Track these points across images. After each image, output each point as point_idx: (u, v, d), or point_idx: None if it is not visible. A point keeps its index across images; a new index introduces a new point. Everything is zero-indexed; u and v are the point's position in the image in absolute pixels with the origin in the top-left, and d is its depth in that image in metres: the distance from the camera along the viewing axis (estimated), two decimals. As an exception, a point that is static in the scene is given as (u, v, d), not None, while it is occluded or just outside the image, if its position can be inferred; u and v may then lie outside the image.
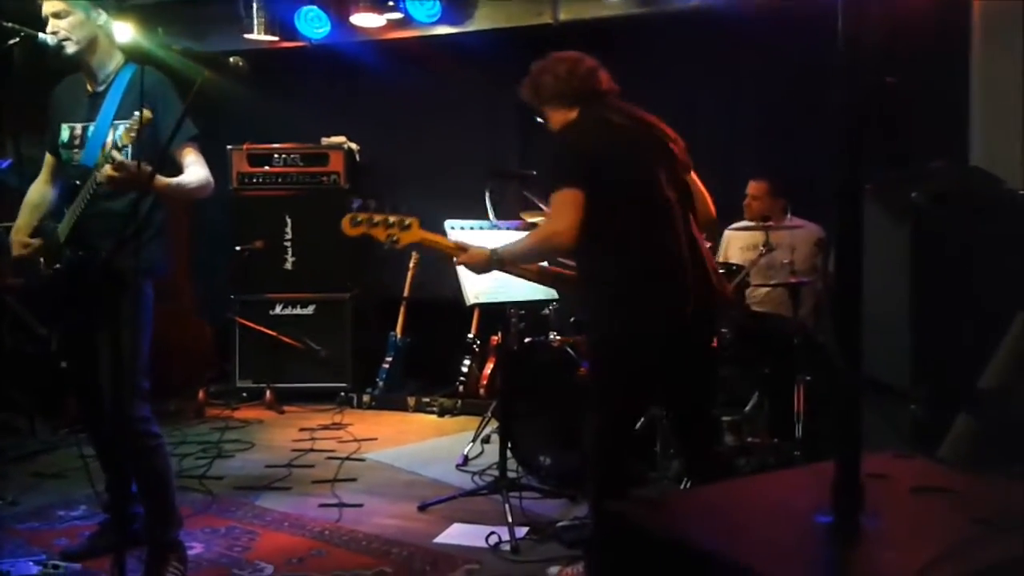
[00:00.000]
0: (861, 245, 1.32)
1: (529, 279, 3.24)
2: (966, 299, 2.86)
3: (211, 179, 3.16)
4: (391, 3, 5.97)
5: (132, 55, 3.18)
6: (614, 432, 2.88)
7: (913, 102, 4.89)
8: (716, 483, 2.59)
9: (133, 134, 2.84)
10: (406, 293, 6.31)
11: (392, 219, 3.02)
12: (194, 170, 3.10)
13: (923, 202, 2.92)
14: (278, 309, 6.29)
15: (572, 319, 4.68)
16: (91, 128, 3.08)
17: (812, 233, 4.87)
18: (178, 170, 3.09)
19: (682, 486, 3.94)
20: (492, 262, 2.92)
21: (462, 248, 2.99)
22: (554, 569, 3.24)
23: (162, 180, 2.93)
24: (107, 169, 2.81)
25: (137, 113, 2.81)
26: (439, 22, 6.05)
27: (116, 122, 3.03)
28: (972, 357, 2.51)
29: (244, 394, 6.22)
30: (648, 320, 2.75)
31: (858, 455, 1.30)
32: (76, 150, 3.11)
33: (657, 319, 2.76)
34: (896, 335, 2.94)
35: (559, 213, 2.73)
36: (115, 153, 2.82)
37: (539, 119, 3.07)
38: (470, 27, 6.09)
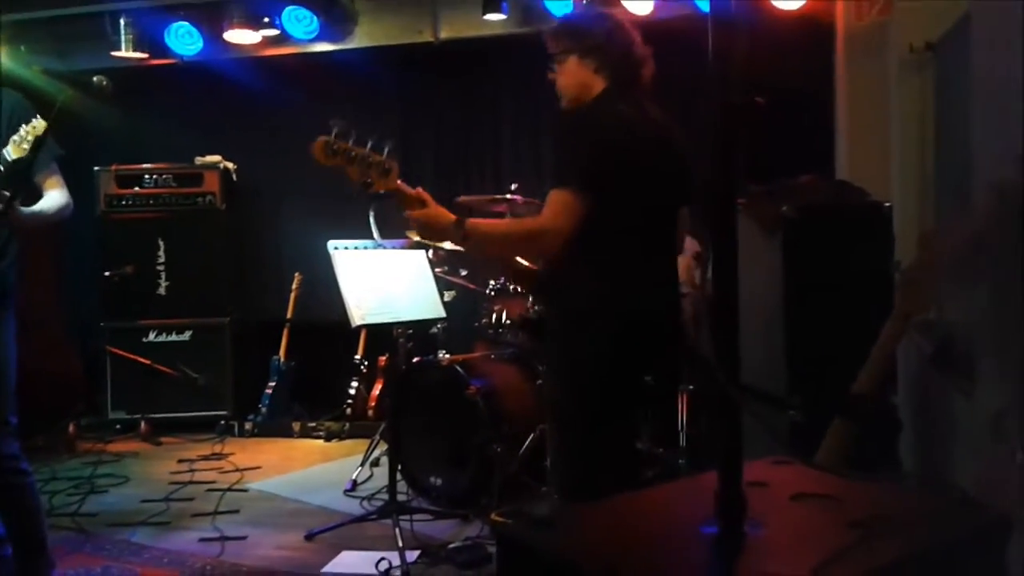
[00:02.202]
0: (736, 257, 1.34)
1: (480, 261, 2.89)
2: (837, 306, 2.97)
3: (71, 201, 3.04)
4: (267, 19, 5.85)
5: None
6: (585, 452, 2.63)
7: (782, 119, 5.10)
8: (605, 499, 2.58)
9: (26, 146, 2.69)
10: (289, 315, 6.16)
11: (374, 158, 2.55)
12: (53, 195, 2.98)
13: (793, 215, 3.02)
14: (152, 336, 6.04)
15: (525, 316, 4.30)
16: None
17: (689, 247, 4.99)
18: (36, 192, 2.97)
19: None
20: (453, 232, 2.49)
21: (424, 203, 2.54)
22: None
23: (25, 211, 2.82)
24: None
25: (25, 127, 2.68)
26: (317, 39, 5.95)
27: None
28: (844, 362, 2.61)
29: (117, 426, 5.96)
30: (615, 342, 2.53)
31: (739, 465, 1.32)
32: None
33: (622, 343, 2.54)
34: (772, 343, 3.03)
35: (556, 213, 2.41)
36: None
37: (550, 66, 2.72)
38: (349, 44, 6.02)
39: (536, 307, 4.06)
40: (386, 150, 2.56)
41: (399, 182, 2.56)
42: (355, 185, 2.55)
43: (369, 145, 2.54)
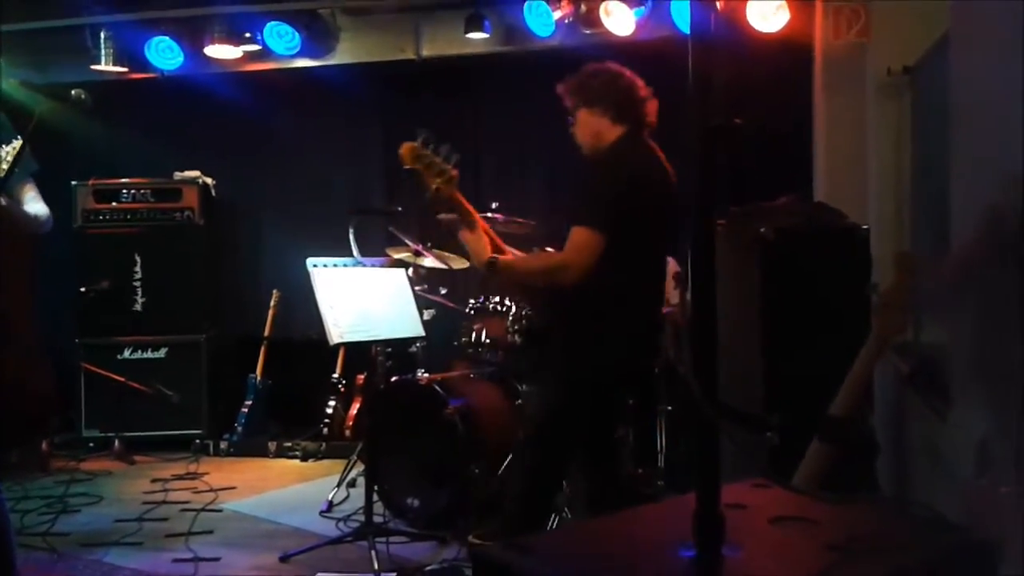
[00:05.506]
0: (714, 278, 1.34)
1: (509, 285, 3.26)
2: (814, 328, 2.98)
3: (51, 215, 3.05)
4: (248, 35, 5.84)
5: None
6: (553, 469, 2.91)
7: (760, 141, 5.14)
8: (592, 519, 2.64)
9: (5, 166, 2.70)
10: (267, 333, 6.11)
11: (445, 166, 2.79)
12: (37, 206, 3.00)
13: (770, 236, 3.03)
14: (127, 353, 5.97)
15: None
16: None
17: (669, 267, 5.00)
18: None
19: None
20: (486, 266, 2.79)
21: (474, 231, 2.83)
22: None
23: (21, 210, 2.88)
24: None
25: (5, 147, 2.69)
26: (299, 55, 5.94)
27: None
28: (822, 384, 2.61)
29: (91, 444, 5.87)
30: (620, 366, 2.85)
31: (717, 487, 1.31)
32: None
33: (626, 367, 2.89)
34: (749, 364, 3.03)
35: (578, 250, 2.69)
36: None
37: (569, 119, 2.98)
38: (331, 60, 6.02)
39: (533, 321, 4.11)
40: (454, 159, 2.80)
41: (458, 193, 2.82)
42: (427, 191, 2.81)
43: (441, 156, 2.78)
